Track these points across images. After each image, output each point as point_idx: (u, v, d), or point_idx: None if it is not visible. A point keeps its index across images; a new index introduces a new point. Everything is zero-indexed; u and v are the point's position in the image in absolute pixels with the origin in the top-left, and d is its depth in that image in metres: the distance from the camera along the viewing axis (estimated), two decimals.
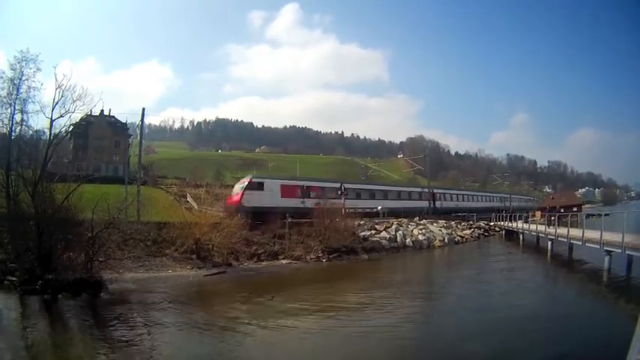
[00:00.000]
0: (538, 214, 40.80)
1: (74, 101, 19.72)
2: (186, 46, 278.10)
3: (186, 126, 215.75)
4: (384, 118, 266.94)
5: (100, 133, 68.63)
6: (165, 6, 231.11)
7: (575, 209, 60.05)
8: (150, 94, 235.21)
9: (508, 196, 76.90)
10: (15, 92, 20.58)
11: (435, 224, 40.84)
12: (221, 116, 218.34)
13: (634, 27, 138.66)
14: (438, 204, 52.55)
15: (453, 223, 43.80)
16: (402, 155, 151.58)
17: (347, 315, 13.70)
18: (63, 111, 19.78)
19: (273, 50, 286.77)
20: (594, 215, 34.88)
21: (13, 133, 21.42)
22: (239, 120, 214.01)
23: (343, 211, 33.21)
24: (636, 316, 6.18)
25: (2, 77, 20.57)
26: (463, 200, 61.98)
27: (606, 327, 11.42)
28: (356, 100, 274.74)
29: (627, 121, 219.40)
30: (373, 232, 34.10)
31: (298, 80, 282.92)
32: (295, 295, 17.08)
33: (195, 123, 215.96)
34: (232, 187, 39.32)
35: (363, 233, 32.86)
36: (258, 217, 29.85)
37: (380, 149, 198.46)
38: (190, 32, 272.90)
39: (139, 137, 38.54)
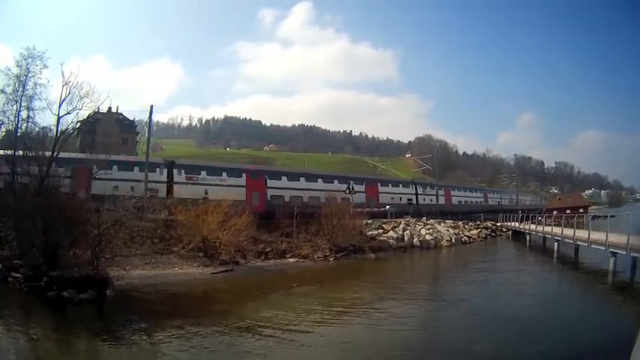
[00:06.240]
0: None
1: (81, 98, 19.98)
2: (197, 44, 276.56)
3: (194, 124, 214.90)
4: (394, 118, 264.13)
5: (108, 130, 68.54)
6: (176, 3, 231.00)
7: (581, 210, 59.59)
8: (160, 92, 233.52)
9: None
10: (21, 89, 20.69)
11: (442, 224, 40.74)
12: (230, 115, 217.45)
13: None
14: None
15: (460, 223, 43.71)
16: (410, 155, 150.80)
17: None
18: (70, 108, 20.05)
19: (284, 49, 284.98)
20: (600, 217, 34.64)
21: (19, 130, 21.58)
22: (248, 118, 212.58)
23: (351, 210, 33.10)
24: None
25: (8, 74, 20.67)
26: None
27: (611, 327, 11.43)
28: (366, 99, 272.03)
29: (633, 124, 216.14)
30: (380, 231, 34.09)
31: (309, 79, 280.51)
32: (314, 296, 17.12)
33: (203, 121, 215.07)
34: None
35: (370, 232, 32.83)
36: None
37: (388, 148, 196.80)
38: (201, 29, 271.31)
39: (146, 134, 38.66)
